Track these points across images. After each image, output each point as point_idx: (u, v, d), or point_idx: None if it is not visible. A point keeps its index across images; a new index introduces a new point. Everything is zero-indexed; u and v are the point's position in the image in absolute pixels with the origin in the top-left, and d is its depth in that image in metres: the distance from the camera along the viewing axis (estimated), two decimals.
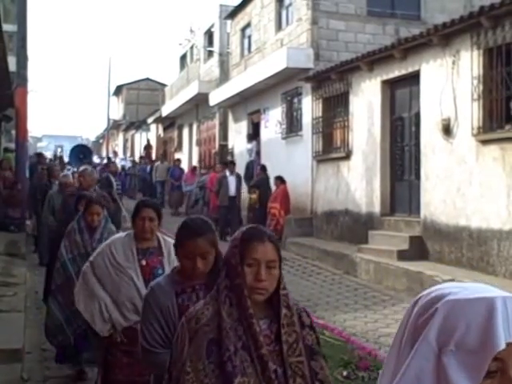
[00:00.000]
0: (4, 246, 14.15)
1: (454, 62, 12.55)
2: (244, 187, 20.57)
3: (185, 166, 30.80)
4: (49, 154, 44.53)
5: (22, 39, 18.52)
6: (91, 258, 5.23)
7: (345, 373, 7.23)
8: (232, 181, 19.63)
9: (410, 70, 14.02)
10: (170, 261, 4.80)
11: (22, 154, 18.51)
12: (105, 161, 35.61)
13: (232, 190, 19.51)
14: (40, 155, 24.34)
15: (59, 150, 61.98)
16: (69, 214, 8.52)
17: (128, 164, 36.68)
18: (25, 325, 8.53)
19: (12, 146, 27.23)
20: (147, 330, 3.59)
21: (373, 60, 15.23)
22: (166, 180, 27.23)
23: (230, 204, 19.37)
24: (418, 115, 13.88)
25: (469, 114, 12.05)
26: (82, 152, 24.74)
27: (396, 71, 14.57)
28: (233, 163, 20.63)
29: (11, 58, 17.89)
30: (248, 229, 2.83)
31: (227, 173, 20.01)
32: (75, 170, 21.22)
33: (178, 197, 26.16)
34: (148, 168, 32.05)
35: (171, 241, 4.75)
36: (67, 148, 56.95)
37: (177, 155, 34.19)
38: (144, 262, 4.91)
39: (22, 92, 18.31)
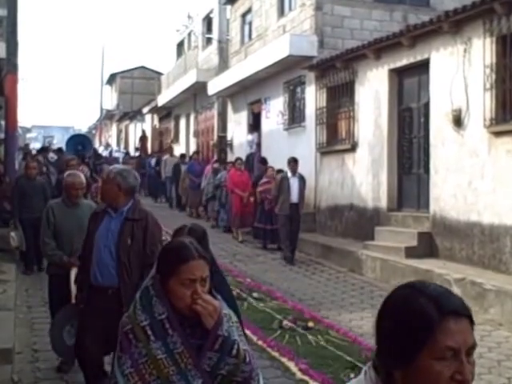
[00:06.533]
0: None
1: (465, 50, 12.48)
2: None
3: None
4: (37, 146, 44.30)
5: (12, 24, 18.40)
6: None
7: (352, 375, 7.18)
8: (295, 183, 15.79)
9: (419, 58, 13.96)
10: None
11: (11, 145, 18.40)
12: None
13: (294, 196, 15.69)
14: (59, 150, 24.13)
15: (55, 141, 61.57)
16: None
17: (121, 155, 36.10)
18: (15, 324, 8.49)
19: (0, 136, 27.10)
20: None
21: (380, 48, 15.16)
22: (184, 177, 24.27)
23: (292, 213, 15.56)
24: (427, 105, 13.82)
25: (481, 105, 11.99)
26: (80, 143, 23.27)
27: (404, 59, 14.50)
28: (295, 161, 16.07)
29: (0, 43, 17.80)
30: None
31: (288, 173, 15.98)
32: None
33: (198, 196, 23.04)
34: (151, 161, 30.93)
35: None
36: (59, 140, 56.94)
37: (176, 148, 33.99)
38: None
39: (11, 79, 18.17)
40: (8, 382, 6.74)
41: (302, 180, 15.97)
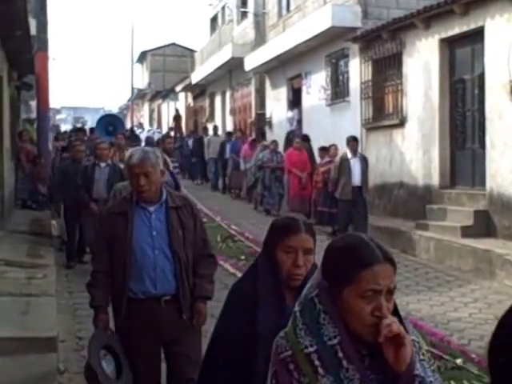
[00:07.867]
0: (28, 224, 13.98)
1: None
2: None
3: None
4: (68, 127, 44.22)
5: (41, 0, 18.32)
6: None
7: None
8: (356, 164, 14.79)
9: (473, 26, 13.52)
10: None
11: (43, 124, 18.32)
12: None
13: (356, 178, 14.71)
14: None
15: (89, 122, 61.36)
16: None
17: (156, 136, 35.43)
18: (57, 310, 8.32)
19: (31, 117, 27.04)
20: None
21: (430, 16, 14.73)
22: (232, 157, 23.36)
23: (355, 197, 14.70)
24: (481, 76, 13.40)
25: None
26: (111, 123, 22.82)
27: (456, 28, 14.07)
28: (355, 139, 15.13)
29: (30, 20, 17.64)
30: None
31: (348, 154, 14.94)
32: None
33: (239, 177, 22.59)
34: (189, 142, 29.95)
35: None
36: (90, 121, 56.96)
37: (210, 126, 33.61)
38: None
39: (42, 57, 18.10)
40: (54, 371, 6.56)
41: (365, 160, 15.06)
